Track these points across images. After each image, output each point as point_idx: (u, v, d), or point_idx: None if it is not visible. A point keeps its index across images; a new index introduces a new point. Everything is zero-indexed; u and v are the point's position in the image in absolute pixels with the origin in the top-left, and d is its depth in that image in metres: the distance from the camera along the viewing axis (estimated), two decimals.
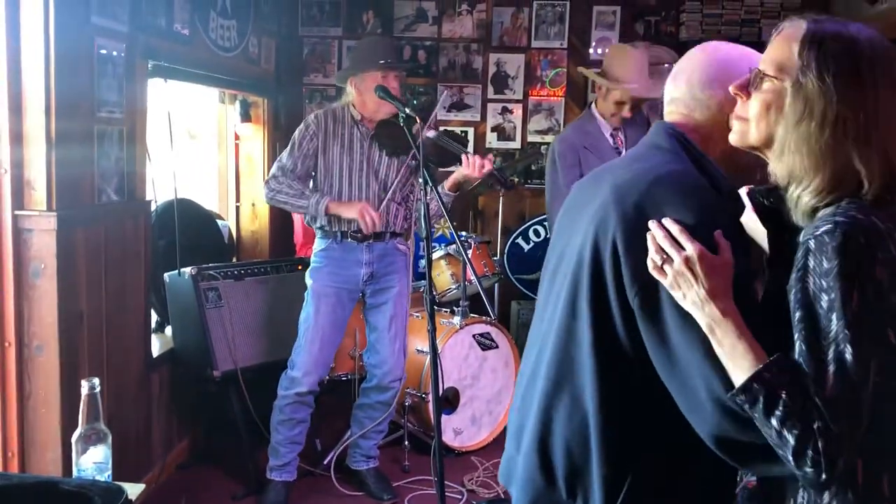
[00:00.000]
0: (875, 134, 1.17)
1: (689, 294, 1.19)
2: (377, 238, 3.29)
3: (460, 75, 5.07)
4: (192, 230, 3.75)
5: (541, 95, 5.04)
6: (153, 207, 3.36)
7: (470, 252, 4.14)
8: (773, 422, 1.11)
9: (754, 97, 1.27)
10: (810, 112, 1.18)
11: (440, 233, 4.89)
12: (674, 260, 1.20)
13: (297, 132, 3.29)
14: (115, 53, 2.90)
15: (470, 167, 3.03)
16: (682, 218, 1.25)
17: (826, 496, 1.20)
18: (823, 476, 1.10)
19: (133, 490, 1.51)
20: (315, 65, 5.04)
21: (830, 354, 1.11)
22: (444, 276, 4.19)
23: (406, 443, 3.72)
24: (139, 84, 3.13)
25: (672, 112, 1.47)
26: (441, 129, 3.16)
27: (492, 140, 5.09)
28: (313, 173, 3.30)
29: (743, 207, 1.39)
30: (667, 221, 1.24)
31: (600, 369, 1.32)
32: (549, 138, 5.02)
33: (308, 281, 3.33)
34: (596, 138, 3.39)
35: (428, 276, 2.53)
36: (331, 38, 5.05)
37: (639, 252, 1.26)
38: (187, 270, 3.43)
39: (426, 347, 3.60)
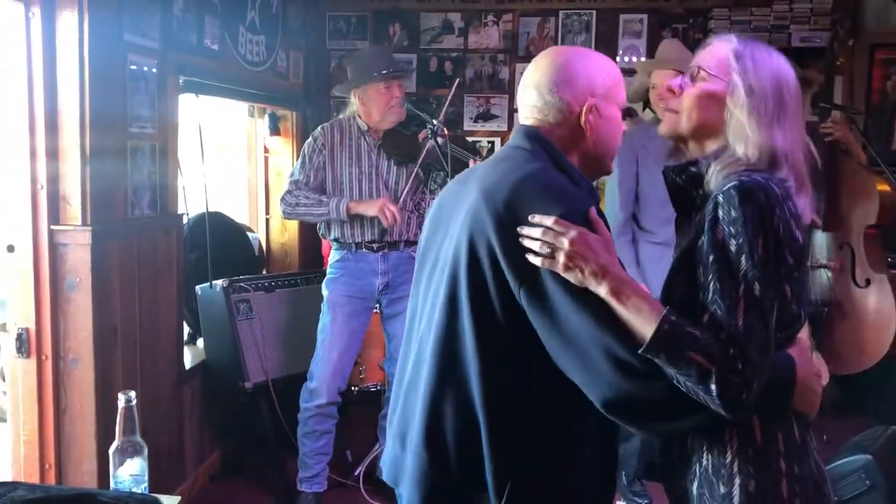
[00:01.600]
0: (791, 127, 1.38)
1: (586, 268, 1.28)
2: (392, 247, 3.30)
3: (486, 86, 5.08)
4: (223, 243, 3.78)
5: None
6: (185, 221, 3.40)
7: None
8: (694, 355, 1.20)
9: (689, 91, 1.43)
10: (750, 103, 1.36)
11: None
12: (563, 245, 1.28)
13: (305, 146, 3.32)
14: (146, 70, 2.95)
15: None
16: (550, 211, 1.33)
17: (728, 454, 1.34)
18: (744, 395, 1.20)
19: (169, 502, 1.52)
20: (342, 78, 5.07)
21: (741, 290, 1.24)
22: None
23: None
24: (170, 99, 3.18)
25: (528, 117, 1.55)
26: (448, 134, 3.17)
27: None
28: (325, 186, 3.31)
29: (597, 201, 1.50)
30: (538, 217, 1.32)
31: (485, 363, 1.38)
32: None
33: (324, 291, 3.34)
34: (657, 141, 3.34)
35: None
36: (358, 51, 5.08)
37: (516, 248, 1.33)
38: (219, 283, 3.46)
39: None
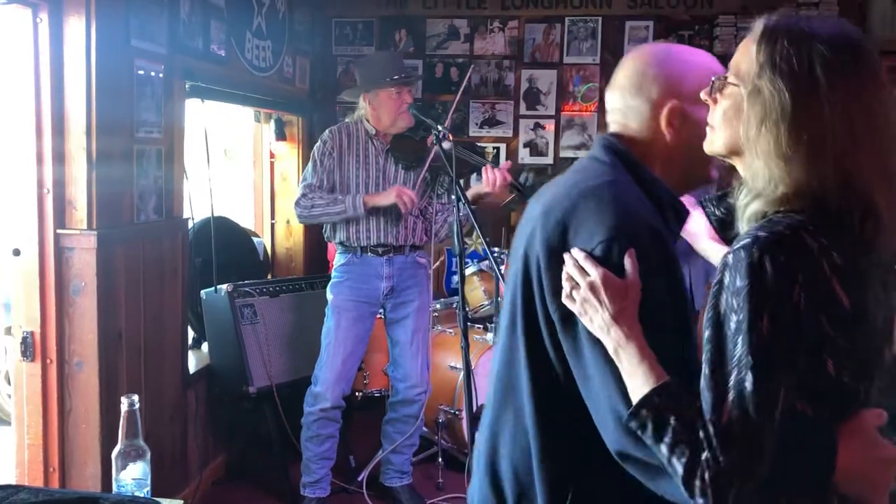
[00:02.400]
0: (832, 143, 1.07)
1: (595, 319, 1.17)
2: (397, 251, 3.30)
3: (492, 92, 5.08)
4: (228, 247, 3.80)
5: (573, 111, 5.03)
6: (190, 225, 3.41)
7: (503, 268, 4.12)
8: (662, 448, 1.08)
9: (718, 103, 1.22)
10: (765, 117, 1.10)
11: (473, 249, 4.89)
12: (581, 288, 1.18)
13: (315, 150, 3.30)
14: (153, 74, 2.96)
15: (488, 183, 3.01)
16: (595, 234, 1.22)
17: None
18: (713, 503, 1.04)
19: None
20: (349, 83, 5.08)
21: (731, 380, 1.04)
22: (477, 292, 4.19)
23: (440, 460, 3.70)
24: (177, 104, 3.19)
25: (611, 122, 1.42)
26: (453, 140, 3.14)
27: (524, 156, 5.08)
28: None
29: (684, 218, 1.37)
30: (574, 250, 1.22)
31: (535, 386, 1.30)
32: (581, 153, 5.00)
33: (329, 295, 3.34)
34: None
35: (461, 292, 2.54)
36: (367, 55, 5.09)
37: (557, 271, 1.24)
38: (223, 287, 3.47)
39: (460, 364, 3.58)
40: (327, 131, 3.33)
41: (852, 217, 1.08)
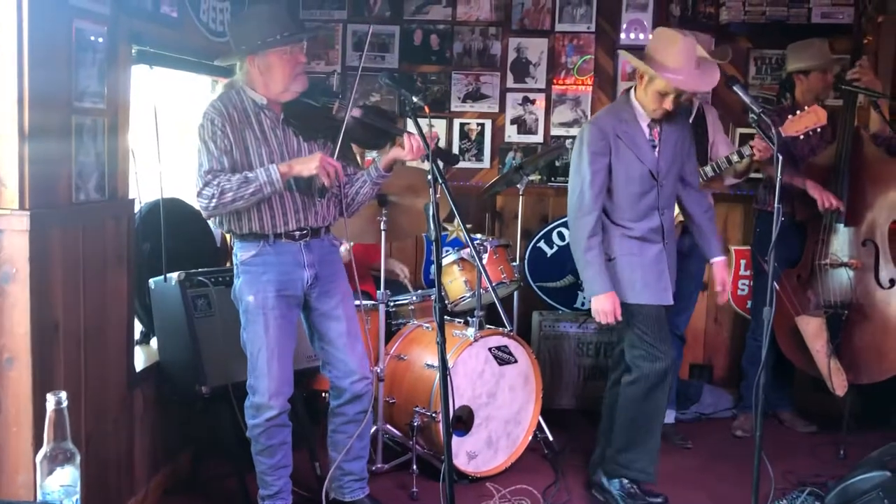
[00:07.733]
0: None
1: None
2: (314, 234, 3.17)
3: (476, 62, 5.06)
4: (180, 232, 3.75)
5: (566, 84, 5.02)
6: (137, 207, 3.37)
7: (486, 257, 4.12)
8: None
9: None
10: None
11: (454, 236, 4.88)
12: None
13: (201, 132, 3.03)
14: (95, 38, 2.91)
15: (410, 151, 3.01)
16: None
17: None
18: None
19: None
20: (316, 51, 5.05)
21: None
22: (456, 284, 4.18)
23: (414, 467, 3.70)
24: (122, 72, 3.15)
25: None
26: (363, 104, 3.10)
27: (511, 133, 5.08)
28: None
29: None
30: None
31: None
32: (574, 131, 5.00)
33: (245, 297, 3.12)
34: (631, 127, 3.37)
35: (437, 283, 2.52)
36: (334, 21, 5.06)
37: None
38: (174, 276, 3.44)
39: (436, 362, 3.58)
40: (210, 108, 3.06)
41: None
